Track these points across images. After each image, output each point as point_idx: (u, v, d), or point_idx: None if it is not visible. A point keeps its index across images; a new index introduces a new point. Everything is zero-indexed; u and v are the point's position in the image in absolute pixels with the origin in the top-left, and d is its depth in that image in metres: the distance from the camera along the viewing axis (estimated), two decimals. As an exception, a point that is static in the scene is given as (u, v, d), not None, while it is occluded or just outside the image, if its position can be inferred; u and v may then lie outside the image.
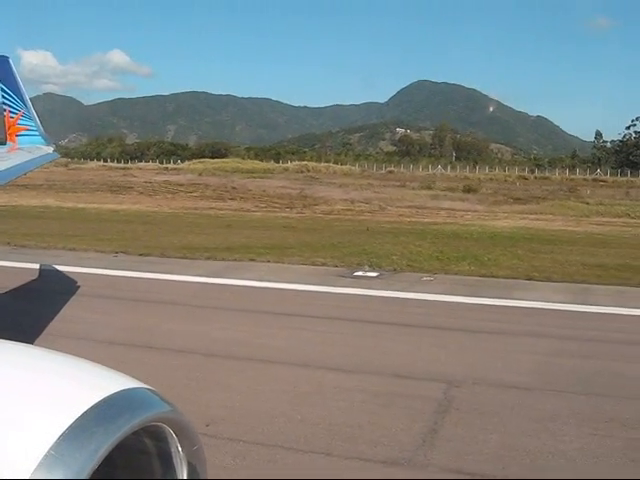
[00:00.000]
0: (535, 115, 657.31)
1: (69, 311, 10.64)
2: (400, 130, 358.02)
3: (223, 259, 16.46)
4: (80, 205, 37.13)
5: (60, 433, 1.35)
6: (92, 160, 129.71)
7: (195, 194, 49.66)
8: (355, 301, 12.16)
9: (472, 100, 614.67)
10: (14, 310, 10.90)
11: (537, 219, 35.33)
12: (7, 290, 12.34)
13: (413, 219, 33.21)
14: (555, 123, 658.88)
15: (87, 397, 1.48)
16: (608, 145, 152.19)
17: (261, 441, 5.63)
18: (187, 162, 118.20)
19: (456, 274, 15.00)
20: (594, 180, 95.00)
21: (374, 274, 14.74)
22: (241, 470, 5.16)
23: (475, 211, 39.24)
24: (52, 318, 10.00)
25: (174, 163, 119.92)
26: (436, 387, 7.28)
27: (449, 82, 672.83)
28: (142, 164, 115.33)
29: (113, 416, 1.45)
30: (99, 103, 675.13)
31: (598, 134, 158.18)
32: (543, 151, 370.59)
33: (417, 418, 6.35)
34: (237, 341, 9.28)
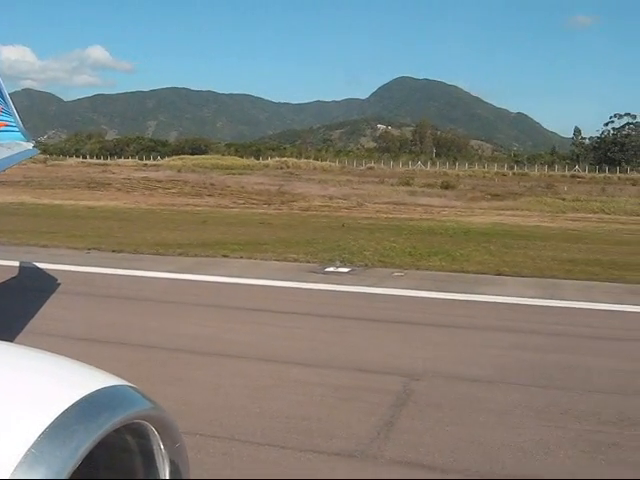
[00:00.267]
0: (515, 112, 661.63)
1: (34, 307, 10.61)
2: (381, 126, 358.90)
3: (195, 255, 16.48)
4: (56, 202, 36.92)
5: (41, 431, 1.33)
6: (71, 156, 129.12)
7: (173, 190, 49.51)
8: (324, 297, 12.22)
9: (453, 97, 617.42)
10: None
11: (513, 215, 35.54)
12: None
13: (390, 215, 33.31)
14: (535, 120, 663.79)
15: (68, 395, 1.46)
16: (587, 142, 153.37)
17: (217, 434, 5.67)
18: (167, 158, 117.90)
19: (427, 269, 15.11)
20: (572, 176, 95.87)
21: (345, 270, 14.81)
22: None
23: (452, 207, 39.40)
24: (17, 314, 9.97)
25: (154, 159, 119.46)
26: (396, 381, 7.35)
27: (430, 78, 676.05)
28: (121, 160, 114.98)
29: (94, 414, 1.44)
30: (79, 99, 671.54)
31: (577, 131, 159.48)
32: (523, 147, 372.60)
33: (375, 411, 6.42)
34: (203, 336, 9.30)
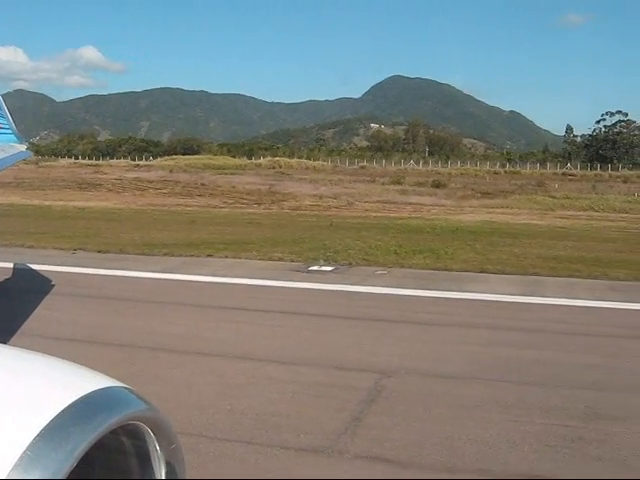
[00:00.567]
0: (508, 110, 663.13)
1: (13, 307, 10.65)
2: (374, 125, 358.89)
3: (181, 255, 16.51)
4: (46, 203, 36.96)
5: (36, 433, 1.33)
6: (63, 157, 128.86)
7: (164, 191, 49.60)
8: (305, 295, 12.28)
9: (446, 95, 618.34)
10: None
11: (503, 213, 35.73)
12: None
13: (379, 214, 33.44)
14: (528, 118, 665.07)
15: (63, 396, 1.46)
16: (578, 140, 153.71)
17: (187, 431, 5.71)
18: (159, 159, 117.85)
19: (410, 268, 15.17)
20: (563, 174, 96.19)
21: (329, 268, 14.87)
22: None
23: (442, 206, 39.57)
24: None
25: (146, 160, 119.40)
26: (369, 377, 7.41)
27: (423, 77, 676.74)
28: (113, 161, 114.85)
29: (90, 415, 1.44)
30: (71, 100, 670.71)
31: (569, 128, 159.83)
32: (516, 146, 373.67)
33: (345, 407, 6.48)
34: (183, 335, 9.35)
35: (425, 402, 6.71)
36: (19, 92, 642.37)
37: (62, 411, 1.40)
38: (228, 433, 5.80)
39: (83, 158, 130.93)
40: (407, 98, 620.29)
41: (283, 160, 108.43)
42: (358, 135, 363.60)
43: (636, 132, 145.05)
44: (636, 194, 49.08)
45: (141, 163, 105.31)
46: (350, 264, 15.46)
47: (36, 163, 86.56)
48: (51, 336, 8.82)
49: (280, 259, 15.99)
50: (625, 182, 77.22)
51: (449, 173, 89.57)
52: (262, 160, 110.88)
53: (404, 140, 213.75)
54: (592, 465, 5.40)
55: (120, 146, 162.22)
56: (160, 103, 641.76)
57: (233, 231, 22.76)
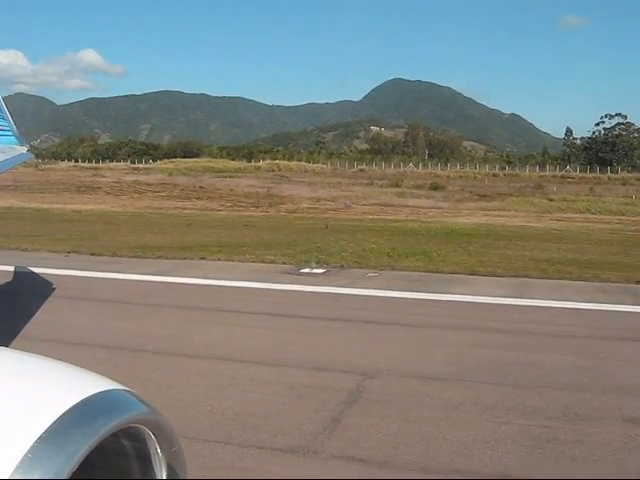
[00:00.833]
0: (509, 113, 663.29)
1: (2, 309, 10.71)
2: (374, 128, 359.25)
3: (174, 258, 16.57)
4: (44, 206, 37.03)
5: (37, 436, 1.33)
6: (63, 160, 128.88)
7: (163, 194, 49.68)
8: (295, 297, 12.34)
9: (446, 98, 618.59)
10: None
11: (499, 215, 35.77)
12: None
13: (376, 216, 33.53)
14: (528, 121, 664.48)
15: (64, 399, 1.46)
16: (578, 142, 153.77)
17: (165, 432, 5.76)
18: (159, 162, 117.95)
19: (402, 270, 15.23)
20: (562, 177, 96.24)
21: (321, 271, 14.92)
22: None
23: (439, 208, 39.64)
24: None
25: (146, 163, 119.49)
26: (351, 379, 7.44)
27: (423, 80, 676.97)
28: (113, 164, 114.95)
29: (91, 418, 1.44)
30: (72, 103, 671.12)
31: (568, 131, 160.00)
32: (517, 148, 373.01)
33: (324, 408, 6.52)
34: (169, 337, 9.40)
35: (405, 403, 6.75)
36: (20, 95, 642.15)
37: (63, 414, 1.40)
38: (207, 434, 5.84)
39: (83, 161, 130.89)
40: (407, 101, 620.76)
41: (282, 163, 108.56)
42: (358, 138, 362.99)
43: (635, 135, 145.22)
44: (634, 196, 49.09)
45: (141, 166, 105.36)
46: (342, 266, 15.51)
47: (36, 166, 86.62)
48: (36, 337, 8.85)
49: (272, 262, 16.04)
50: (624, 184, 77.24)
51: (448, 176, 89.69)
52: (262, 163, 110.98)
53: (404, 143, 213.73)
54: (565, 465, 5.43)
55: (120, 149, 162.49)
56: (160, 106, 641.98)
57: (228, 234, 22.82)
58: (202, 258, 16.51)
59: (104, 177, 69.94)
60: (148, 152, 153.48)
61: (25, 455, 1.29)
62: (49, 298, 11.80)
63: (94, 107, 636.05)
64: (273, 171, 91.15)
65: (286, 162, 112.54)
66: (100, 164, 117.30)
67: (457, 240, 21.53)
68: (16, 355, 1.82)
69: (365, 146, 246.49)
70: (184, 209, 36.99)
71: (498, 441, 5.82)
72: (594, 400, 6.95)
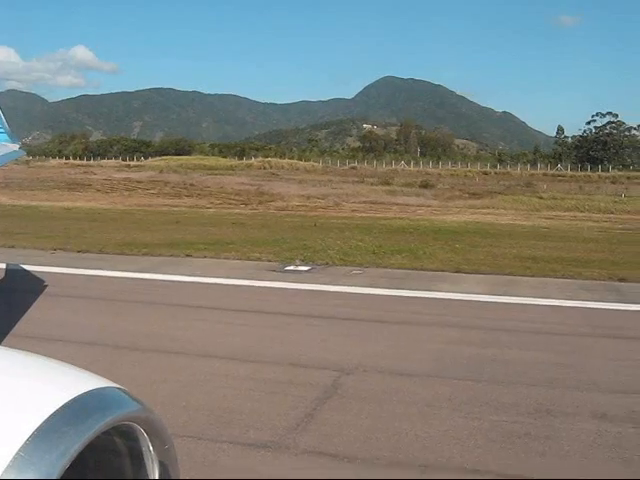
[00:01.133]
0: (501, 111, 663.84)
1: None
2: (367, 126, 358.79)
3: (160, 255, 16.59)
4: (33, 203, 36.93)
5: (30, 434, 1.33)
6: (54, 158, 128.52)
7: (153, 191, 49.57)
8: (278, 294, 12.37)
9: (439, 96, 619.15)
10: None
11: (488, 213, 35.79)
12: None
13: (365, 214, 33.51)
14: (521, 119, 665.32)
15: (57, 397, 1.46)
16: (569, 140, 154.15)
17: (138, 428, 5.79)
18: (150, 159, 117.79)
19: (387, 267, 15.28)
20: (553, 175, 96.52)
21: (305, 268, 14.96)
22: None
23: (428, 206, 39.64)
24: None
25: (137, 160, 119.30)
26: (327, 375, 7.50)
27: (416, 78, 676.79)
28: (104, 161, 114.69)
29: (83, 416, 1.44)
30: (64, 100, 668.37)
31: (560, 129, 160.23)
32: (509, 147, 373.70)
33: (298, 404, 6.56)
34: (150, 334, 9.43)
35: (379, 399, 6.80)
36: (11, 92, 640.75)
37: (55, 412, 1.40)
38: (180, 429, 5.87)
39: (74, 158, 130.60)
40: (400, 99, 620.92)
41: (274, 161, 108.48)
42: (351, 136, 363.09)
43: (626, 133, 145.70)
44: (622, 194, 49.26)
45: (132, 163, 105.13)
46: (327, 264, 15.55)
47: (26, 163, 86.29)
48: (17, 334, 8.86)
49: (258, 259, 16.08)
50: (614, 183, 77.48)
51: (439, 174, 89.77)
52: (253, 161, 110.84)
53: (396, 141, 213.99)
54: (533, 460, 5.49)
55: (111, 146, 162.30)
56: (153, 103, 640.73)
57: (216, 231, 22.84)
58: (188, 255, 16.53)
59: (95, 174, 69.74)
60: (140, 149, 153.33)
61: (17, 453, 1.29)
62: (32, 295, 11.78)
63: (86, 104, 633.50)
64: (264, 169, 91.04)
65: (278, 160, 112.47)
66: (91, 161, 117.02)
67: (444, 238, 21.56)
68: (7, 352, 1.82)
69: (358, 144, 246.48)
70: (173, 206, 36.93)
71: (468, 436, 5.87)
72: (567, 396, 7.01)
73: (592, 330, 10.06)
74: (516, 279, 14.12)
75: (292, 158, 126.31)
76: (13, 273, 13.85)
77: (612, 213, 37.71)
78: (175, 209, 34.98)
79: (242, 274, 14.10)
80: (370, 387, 7.19)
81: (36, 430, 1.34)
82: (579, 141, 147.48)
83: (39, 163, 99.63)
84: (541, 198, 45.51)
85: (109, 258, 16.21)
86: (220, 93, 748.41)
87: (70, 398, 1.45)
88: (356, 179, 66.77)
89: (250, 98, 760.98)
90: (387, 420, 6.22)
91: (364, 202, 41.25)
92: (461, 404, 6.68)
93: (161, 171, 76.02)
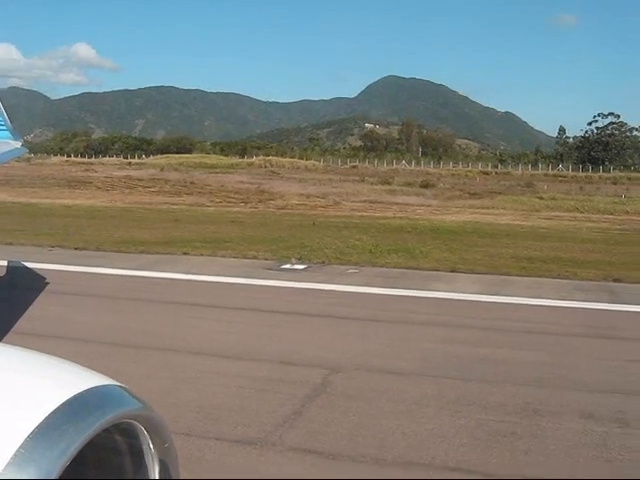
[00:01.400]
0: (503, 111, 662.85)
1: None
2: (369, 125, 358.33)
3: (157, 253, 16.63)
4: (33, 200, 36.95)
5: (30, 431, 1.34)
6: (56, 155, 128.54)
7: (153, 189, 49.57)
8: (272, 292, 12.42)
9: (441, 96, 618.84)
10: None
11: (488, 213, 35.75)
12: None
13: (364, 213, 33.51)
14: (523, 119, 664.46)
15: (57, 394, 1.46)
16: (571, 141, 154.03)
17: (127, 424, 5.84)
18: (152, 157, 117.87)
19: (382, 266, 15.30)
20: (554, 175, 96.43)
21: (301, 267, 15.00)
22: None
23: (428, 206, 39.61)
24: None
25: (139, 158, 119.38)
26: (317, 373, 7.54)
27: (418, 77, 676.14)
28: (106, 159, 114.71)
29: (84, 414, 1.44)
30: (66, 97, 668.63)
31: (561, 130, 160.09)
32: (511, 147, 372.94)
33: (287, 402, 6.61)
34: (144, 331, 9.49)
35: (367, 397, 6.84)
36: (13, 89, 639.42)
37: (56, 409, 1.41)
38: (169, 425, 5.91)
39: (76, 156, 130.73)
40: (402, 98, 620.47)
41: (275, 159, 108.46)
42: (353, 135, 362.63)
43: (628, 134, 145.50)
44: (623, 195, 49.24)
45: (133, 161, 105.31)
46: (323, 263, 15.59)
47: (28, 160, 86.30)
48: (12, 330, 8.91)
49: (254, 257, 16.12)
50: (615, 184, 77.40)
51: (439, 173, 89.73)
52: (254, 159, 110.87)
53: (398, 140, 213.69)
54: (517, 458, 5.54)
55: (113, 144, 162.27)
56: (155, 101, 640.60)
57: (215, 230, 22.87)
58: (185, 253, 16.58)
59: (96, 172, 69.81)
60: (141, 147, 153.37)
61: (17, 451, 1.30)
62: (28, 291, 11.84)
63: (88, 102, 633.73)
64: (265, 167, 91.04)
65: (279, 158, 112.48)
66: (92, 159, 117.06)
67: (442, 237, 21.60)
68: (8, 349, 1.83)
69: (359, 143, 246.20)
70: (173, 204, 36.94)
71: (454, 435, 5.92)
72: (555, 396, 7.06)
73: (584, 330, 10.09)
74: (511, 279, 14.14)
75: (293, 157, 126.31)
76: (9, 270, 13.89)
77: (611, 214, 37.69)
78: (174, 207, 34.97)
79: (238, 272, 14.14)
80: (359, 385, 7.25)
81: (36, 428, 1.35)
82: (581, 142, 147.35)
83: (40, 160, 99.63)
84: (541, 198, 45.46)
85: (106, 255, 16.25)
86: (222, 91, 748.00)
87: (71, 396, 1.47)
88: (357, 178, 66.72)
89: (252, 96, 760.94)
90: (374, 418, 6.27)
91: (364, 201, 41.24)
92: (449, 403, 6.72)
93: (162, 169, 76.06)
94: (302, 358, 8.18)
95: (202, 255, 16.42)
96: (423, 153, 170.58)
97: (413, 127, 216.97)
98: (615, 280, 14.09)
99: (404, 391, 7.05)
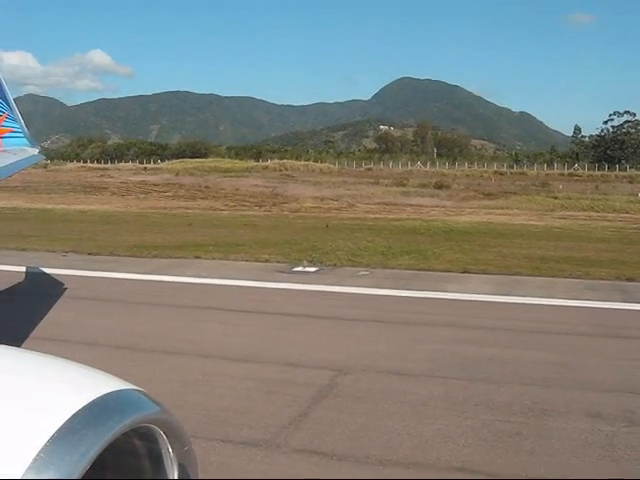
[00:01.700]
0: (518, 111, 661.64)
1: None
2: (384, 127, 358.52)
3: (169, 257, 16.70)
4: (49, 206, 37.20)
5: (50, 435, 1.35)
6: (72, 161, 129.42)
7: (168, 194, 49.78)
8: (283, 295, 12.43)
9: (455, 97, 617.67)
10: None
11: (502, 214, 35.61)
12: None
13: (378, 215, 33.48)
14: (538, 119, 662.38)
15: (77, 399, 1.48)
16: (587, 140, 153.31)
17: (133, 427, 5.88)
18: (167, 162, 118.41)
19: (394, 268, 15.29)
20: (570, 175, 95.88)
21: (313, 269, 15.02)
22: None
23: (442, 207, 39.51)
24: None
25: (154, 163, 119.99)
26: (324, 375, 7.56)
27: (432, 79, 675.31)
28: (121, 164, 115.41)
29: (103, 418, 1.46)
30: (82, 104, 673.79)
31: (577, 129, 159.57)
32: (527, 147, 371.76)
33: (293, 403, 6.63)
34: (153, 334, 9.53)
35: (374, 399, 6.85)
36: (30, 96, 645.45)
37: (75, 413, 1.43)
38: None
39: (92, 162, 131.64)
40: (417, 100, 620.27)
41: (290, 163, 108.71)
42: (368, 137, 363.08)
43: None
44: (638, 194, 48.90)
45: (149, 166, 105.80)
46: (335, 265, 15.60)
47: (44, 167, 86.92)
48: (23, 336, 8.98)
49: (267, 260, 16.16)
50: (631, 182, 77.00)
51: (454, 174, 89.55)
52: (269, 163, 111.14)
53: (413, 142, 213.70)
54: (522, 458, 5.53)
55: (128, 149, 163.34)
56: (170, 106, 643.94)
57: (228, 233, 22.92)
58: (197, 257, 16.65)
59: (111, 178, 70.30)
60: (156, 152, 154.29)
61: (38, 454, 1.32)
62: (41, 297, 11.95)
63: (104, 108, 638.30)
64: (280, 171, 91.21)
65: (294, 162, 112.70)
66: (108, 164, 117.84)
67: (455, 238, 21.55)
68: (27, 355, 1.87)
69: (374, 145, 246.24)
70: (187, 209, 37.05)
71: (460, 435, 5.91)
72: (562, 395, 7.03)
73: (594, 329, 10.04)
74: (523, 279, 14.08)
75: (308, 160, 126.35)
76: (22, 275, 14.00)
77: (627, 213, 37.44)
78: (189, 211, 35.08)
79: (249, 275, 14.19)
80: (366, 387, 7.25)
81: (56, 432, 1.37)
82: (596, 140, 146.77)
83: (57, 167, 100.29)
84: (556, 198, 45.22)
85: (119, 260, 16.34)
86: (237, 95, 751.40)
87: (90, 400, 1.49)
88: (371, 180, 66.70)
89: (267, 100, 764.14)
90: (380, 419, 6.27)
91: (378, 203, 41.21)
92: (456, 404, 6.71)
93: (177, 174, 76.40)
94: (309, 360, 8.20)
95: (214, 259, 16.47)
96: (438, 154, 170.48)
97: (428, 128, 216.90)
98: (628, 279, 14.00)
99: (411, 392, 7.05)
